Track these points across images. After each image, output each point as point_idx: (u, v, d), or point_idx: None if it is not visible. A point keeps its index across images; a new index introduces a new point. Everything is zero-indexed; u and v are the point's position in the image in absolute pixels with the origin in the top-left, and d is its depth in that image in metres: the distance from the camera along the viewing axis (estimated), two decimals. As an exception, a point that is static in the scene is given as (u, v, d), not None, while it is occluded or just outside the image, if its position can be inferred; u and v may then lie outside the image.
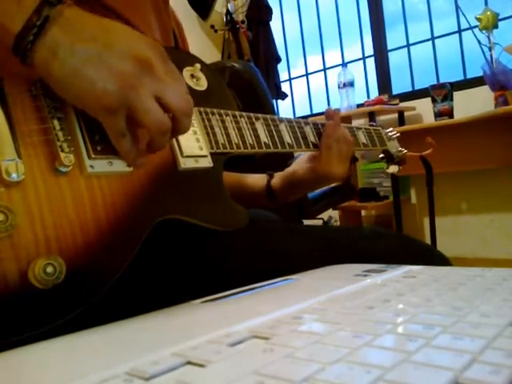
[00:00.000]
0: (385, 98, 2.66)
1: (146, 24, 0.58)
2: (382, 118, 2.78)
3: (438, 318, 0.28)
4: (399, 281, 0.41)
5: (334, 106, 3.15)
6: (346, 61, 3.13)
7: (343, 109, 2.76)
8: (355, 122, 2.68)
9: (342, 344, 0.24)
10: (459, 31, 2.63)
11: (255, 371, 0.21)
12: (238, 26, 3.13)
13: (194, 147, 0.53)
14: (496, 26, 2.19)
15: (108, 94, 0.39)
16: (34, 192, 0.39)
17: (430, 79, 2.68)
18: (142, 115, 0.40)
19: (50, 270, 0.37)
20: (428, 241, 2.07)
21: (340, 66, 2.95)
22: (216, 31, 3.17)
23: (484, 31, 2.20)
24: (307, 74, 3.37)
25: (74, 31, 0.39)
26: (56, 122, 0.42)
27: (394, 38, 2.94)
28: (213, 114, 0.58)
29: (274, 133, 0.66)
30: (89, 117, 0.42)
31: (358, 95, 2.85)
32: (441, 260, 0.61)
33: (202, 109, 0.57)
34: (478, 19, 2.21)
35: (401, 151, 0.89)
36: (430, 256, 0.62)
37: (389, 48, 2.95)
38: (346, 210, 2.74)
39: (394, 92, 2.90)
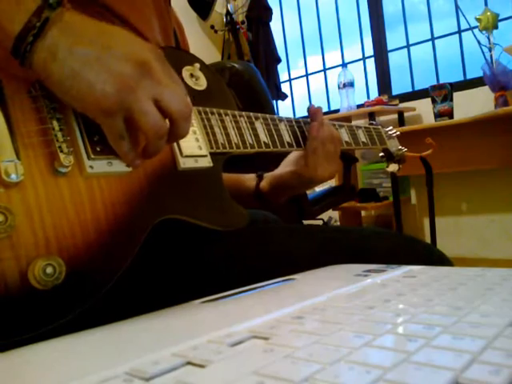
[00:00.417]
0: (385, 98, 2.66)
1: (147, 24, 0.58)
2: (381, 118, 2.78)
3: (438, 317, 0.28)
4: (399, 281, 0.41)
5: (334, 106, 3.16)
6: (346, 61, 3.13)
7: (343, 109, 2.76)
8: (355, 123, 2.67)
9: (342, 344, 0.24)
10: (459, 32, 2.63)
11: (255, 371, 0.21)
12: (238, 26, 3.14)
13: (193, 147, 0.53)
14: (496, 27, 2.19)
15: (107, 96, 0.39)
16: (33, 193, 0.39)
17: (430, 80, 2.68)
18: (140, 118, 0.40)
19: (49, 270, 0.37)
20: (428, 241, 2.07)
21: (340, 67, 2.95)
22: (216, 32, 3.17)
23: (484, 32, 2.20)
24: (307, 75, 3.37)
25: (74, 34, 0.39)
26: (55, 123, 0.42)
27: (394, 38, 2.94)
28: (212, 113, 0.58)
29: (274, 132, 0.66)
30: (88, 117, 0.42)
31: (358, 96, 2.86)
32: (441, 259, 0.61)
33: (201, 108, 0.57)
34: (478, 20, 2.21)
35: (401, 150, 0.89)
36: (430, 255, 0.62)
37: (389, 48, 2.95)
38: (346, 211, 2.74)
39: (394, 92, 2.90)
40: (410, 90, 2.86)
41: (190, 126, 0.46)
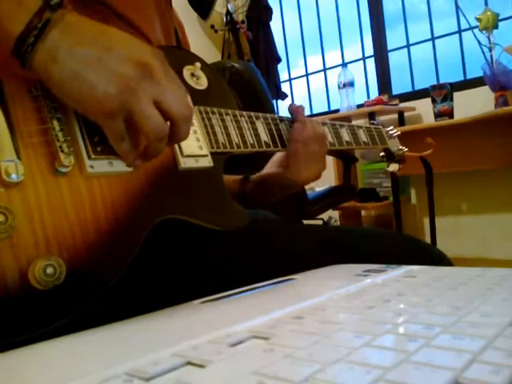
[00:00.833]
0: (385, 98, 2.66)
1: (148, 23, 0.58)
2: (381, 118, 2.77)
3: (438, 318, 0.28)
4: (399, 281, 0.41)
5: (334, 106, 3.16)
6: (346, 61, 3.13)
7: (343, 109, 2.76)
8: (355, 123, 2.67)
9: (342, 344, 0.24)
10: (459, 31, 2.63)
11: (255, 371, 0.21)
12: (238, 26, 3.13)
13: (194, 147, 0.53)
14: (496, 27, 2.19)
15: (108, 97, 0.38)
16: (33, 193, 0.39)
17: (430, 79, 2.68)
18: (141, 120, 0.40)
19: (49, 270, 0.37)
20: (428, 241, 2.07)
21: (340, 67, 2.95)
22: (216, 31, 3.17)
23: (484, 31, 2.20)
24: (307, 75, 3.37)
25: (74, 35, 0.39)
26: (56, 123, 0.42)
27: (393, 38, 2.94)
28: (213, 113, 0.58)
29: (275, 132, 0.66)
30: (88, 118, 0.42)
31: (358, 95, 2.85)
32: (441, 259, 0.61)
33: (202, 108, 0.57)
34: (478, 19, 2.21)
35: (401, 149, 0.89)
36: (430, 255, 0.62)
37: (389, 48, 2.95)
38: (346, 211, 2.74)
39: (394, 92, 2.90)
40: (410, 89, 2.85)
41: (190, 128, 0.46)
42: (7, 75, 0.40)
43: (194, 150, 0.53)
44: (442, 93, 2.30)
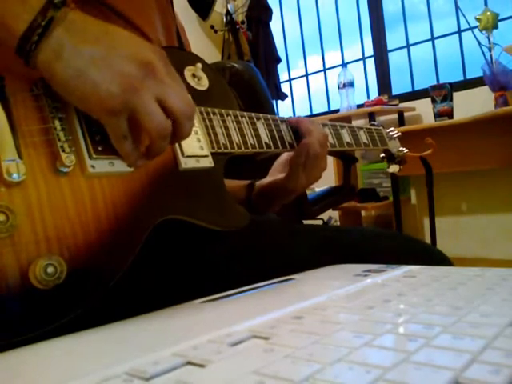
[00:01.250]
0: (385, 98, 2.66)
1: (149, 24, 0.58)
2: (381, 118, 2.78)
3: (437, 317, 0.28)
4: (399, 281, 0.41)
5: (334, 106, 3.16)
6: (345, 61, 3.13)
7: (343, 109, 2.76)
8: (355, 123, 2.68)
9: (342, 344, 0.24)
10: (459, 31, 2.63)
11: (255, 371, 0.21)
12: (237, 26, 3.13)
13: (194, 147, 0.53)
14: (496, 27, 2.19)
15: (111, 96, 0.39)
16: (34, 192, 0.39)
17: (430, 79, 2.68)
18: (144, 118, 0.40)
19: (50, 270, 0.37)
20: (428, 241, 2.07)
21: (340, 67, 2.95)
22: (216, 32, 3.17)
23: (484, 31, 2.20)
24: (307, 75, 3.37)
25: (78, 33, 0.39)
26: (57, 122, 0.42)
27: (393, 38, 2.94)
28: (214, 113, 0.58)
29: (275, 133, 0.66)
30: (90, 117, 0.42)
31: (358, 96, 2.85)
32: (441, 260, 0.61)
33: (202, 108, 0.57)
34: (478, 19, 2.21)
35: (401, 151, 0.89)
36: (430, 256, 0.62)
37: (389, 48, 2.95)
38: (346, 211, 2.74)
39: (394, 92, 2.90)
40: (410, 89, 2.86)
41: (192, 126, 0.46)
42: (9, 74, 0.40)
43: (195, 150, 0.53)
44: (442, 93, 2.30)
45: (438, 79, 2.71)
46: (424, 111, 2.62)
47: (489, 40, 2.19)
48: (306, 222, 1.85)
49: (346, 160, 2.10)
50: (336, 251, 0.60)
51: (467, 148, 2.19)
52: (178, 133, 0.44)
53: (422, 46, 2.82)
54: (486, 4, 2.47)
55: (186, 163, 0.52)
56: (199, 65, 0.60)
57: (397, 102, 2.66)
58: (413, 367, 0.20)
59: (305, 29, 3.34)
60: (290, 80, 3.47)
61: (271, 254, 0.60)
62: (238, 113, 0.62)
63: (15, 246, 0.37)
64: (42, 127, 0.41)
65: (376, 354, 0.23)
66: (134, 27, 0.54)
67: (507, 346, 0.22)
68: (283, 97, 3.25)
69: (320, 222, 2.45)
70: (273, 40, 3.19)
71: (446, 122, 2.24)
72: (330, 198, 2.08)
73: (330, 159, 2.62)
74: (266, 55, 3.12)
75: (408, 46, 2.87)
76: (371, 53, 3.00)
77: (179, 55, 0.61)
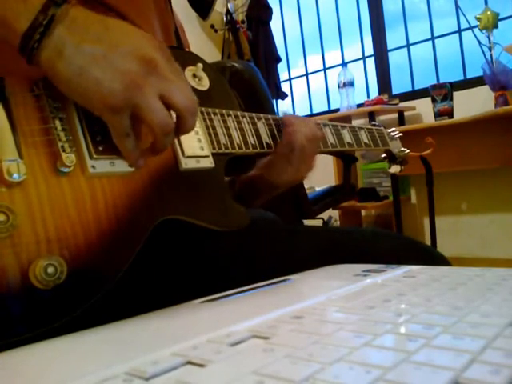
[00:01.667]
0: (385, 97, 2.66)
1: (148, 24, 0.58)
2: (382, 117, 2.78)
3: (438, 318, 0.28)
4: (399, 281, 0.41)
5: (334, 105, 3.16)
6: (346, 61, 3.13)
7: (343, 108, 2.76)
8: (355, 122, 2.68)
9: (342, 344, 0.24)
10: (459, 31, 2.63)
11: (255, 371, 0.21)
12: (238, 25, 3.13)
13: (195, 147, 0.53)
14: (496, 26, 2.19)
15: (114, 93, 0.39)
16: (35, 192, 0.39)
17: (430, 79, 2.67)
18: (147, 115, 0.40)
19: (50, 270, 0.37)
20: (428, 241, 2.07)
21: (340, 66, 2.95)
22: (216, 31, 3.17)
23: (484, 31, 2.20)
24: (307, 74, 3.37)
25: (80, 30, 0.39)
26: (58, 122, 0.42)
27: (393, 37, 2.94)
28: (215, 114, 0.58)
29: (276, 133, 0.66)
30: (91, 117, 0.42)
31: (358, 95, 2.85)
32: (441, 262, 0.61)
33: (203, 109, 0.57)
34: (478, 19, 2.21)
35: (403, 151, 0.89)
36: (429, 257, 0.62)
37: (389, 48, 2.94)
38: (346, 210, 2.74)
39: (394, 92, 2.90)
40: (410, 89, 2.85)
41: (196, 121, 0.46)
42: (9, 74, 0.40)
43: (196, 150, 0.53)
44: (442, 92, 2.30)
45: (438, 79, 2.71)
46: (424, 111, 2.62)
47: (489, 39, 2.19)
48: (306, 221, 1.85)
49: (346, 159, 2.10)
50: (336, 251, 0.60)
51: (467, 147, 2.19)
52: (182, 128, 0.44)
53: (422, 46, 2.82)
54: (486, 3, 2.47)
55: (187, 163, 0.52)
56: (200, 65, 0.60)
57: (397, 101, 2.66)
58: (413, 367, 0.20)
59: (305, 28, 3.34)
60: (290, 79, 3.46)
61: (271, 254, 0.60)
62: (238, 113, 0.62)
63: (15, 246, 0.37)
64: (42, 127, 0.41)
65: (376, 354, 0.23)
66: None
67: (507, 346, 0.22)
68: (283, 96, 3.25)
69: (320, 222, 2.45)
70: (273, 39, 3.19)
71: (446, 121, 2.24)
72: (330, 198, 2.08)
73: (330, 159, 2.62)
74: (266, 54, 3.12)
75: (408, 45, 2.87)
76: (371, 52, 3.00)
77: (180, 55, 0.61)
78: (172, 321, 0.36)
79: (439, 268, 0.46)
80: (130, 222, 0.44)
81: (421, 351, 0.22)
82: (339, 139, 0.76)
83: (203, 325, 0.34)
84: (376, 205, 2.63)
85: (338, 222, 2.81)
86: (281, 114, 0.70)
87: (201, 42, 3.12)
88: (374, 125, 0.88)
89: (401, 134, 0.91)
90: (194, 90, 0.58)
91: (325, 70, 3.28)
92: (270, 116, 0.66)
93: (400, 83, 2.91)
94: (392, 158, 0.89)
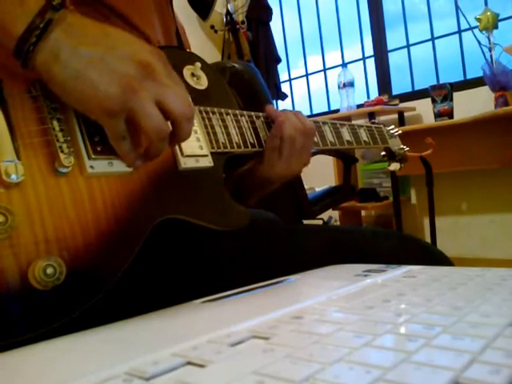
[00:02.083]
0: (385, 98, 2.66)
1: (149, 25, 0.58)
2: (382, 118, 2.77)
3: (438, 318, 0.28)
4: (399, 281, 0.41)
5: (334, 106, 3.15)
6: (346, 61, 3.13)
7: (343, 109, 2.76)
8: (355, 123, 2.68)
9: (342, 344, 0.24)
10: (459, 32, 2.63)
11: (255, 371, 0.21)
12: (238, 26, 3.13)
13: (194, 147, 0.53)
14: (496, 27, 2.19)
15: (110, 97, 0.38)
16: (33, 193, 0.39)
17: (430, 80, 2.68)
18: (143, 119, 0.40)
19: (49, 271, 0.37)
20: (428, 241, 2.07)
21: (340, 67, 2.95)
22: (216, 31, 3.17)
23: (484, 32, 2.20)
24: (307, 75, 3.37)
25: (77, 35, 0.39)
26: (56, 123, 0.42)
27: (394, 38, 2.94)
28: (213, 113, 0.58)
29: None
30: (89, 118, 0.42)
31: (358, 95, 2.85)
32: (441, 259, 0.61)
33: (202, 108, 0.57)
34: (478, 19, 2.21)
35: (402, 149, 0.89)
36: (430, 255, 0.62)
37: (389, 48, 2.95)
38: (346, 210, 2.74)
39: (394, 92, 2.90)
40: (410, 89, 2.86)
41: (192, 127, 0.46)
42: (7, 75, 0.40)
43: (195, 149, 0.53)
44: (442, 93, 2.30)
45: (438, 79, 2.71)
46: (424, 111, 2.62)
47: (489, 40, 2.19)
48: (306, 221, 1.85)
49: (346, 160, 2.10)
50: (336, 251, 0.60)
51: (467, 148, 2.19)
52: (177, 134, 0.44)
53: (422, 46, 2.82)
54: (486, 4, 2.47)
55: (186, 163, 0.52)
56: (198, 64, 0.60)
57: (397, 101, 2.66)
58: (413, 367, 0.20)
59: (305, 28, 3.34)
60: (290, 80, 3.47)
61: (271, 254, 0.60)
62: (237, 112, 0.62)
63: (14, 247, 0.37)
64: (40, 128, 0.41)
65: (376, 354, 0.23)
66: (132, 27, 0.54)
67: (507, 346, 0.22)
68: (283, 97, 3.25)
69: (320, 222, 2.45)
70: (273, 40, 3.19)
71: (446, 121, 2.24)
72: (330, 198, 2.08)
73: (330, 159, 2.62)
74: (266, 55, 3.12)
75: (408, 45, 2.87)
76: (371, 53, 3.00)
77: (178, 54, 0.61)
78: (172, 321, 0.36)
79: (439, 268, 0.46)
80: (128, 222, 0.44)
81: (421, 351, 0.22)
82: (338, 137, 0.76)
83: (203, 325, 0.34)
84: (376, 205, 2.63)
85: (338, 223, 2.81)
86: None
87: (201, 42, 3.13)
88: (374, 123, 0.88)
89: (400, 132, 0.91)
90: (193, 88, 0.58)
91: (325, 70, 3.28)
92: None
93: (400, 84, 2.92)
94: (391, 156, 0.89)
